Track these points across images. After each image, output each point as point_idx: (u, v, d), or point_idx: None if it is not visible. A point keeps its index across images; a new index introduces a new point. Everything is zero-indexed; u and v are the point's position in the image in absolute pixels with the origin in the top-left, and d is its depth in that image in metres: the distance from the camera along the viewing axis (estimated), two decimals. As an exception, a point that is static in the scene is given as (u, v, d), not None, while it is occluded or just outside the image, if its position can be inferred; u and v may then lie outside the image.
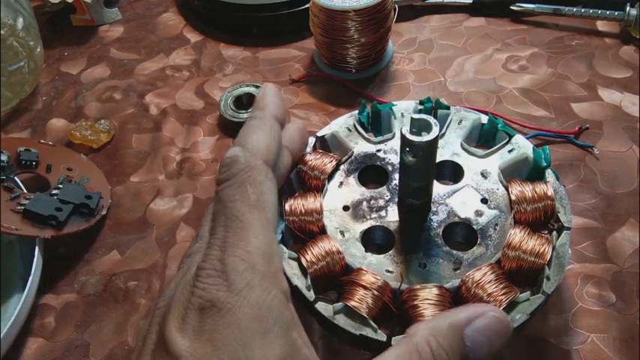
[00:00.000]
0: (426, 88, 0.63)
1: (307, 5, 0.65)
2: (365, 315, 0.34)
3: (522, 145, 0.43)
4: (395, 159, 0.44)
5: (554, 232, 0.37)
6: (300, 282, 0.37)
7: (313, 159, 0.43)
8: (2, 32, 0.60)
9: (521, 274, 0.36)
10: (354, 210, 0.41)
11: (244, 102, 0.62)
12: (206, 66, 0.70)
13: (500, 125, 0.44)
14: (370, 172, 0.44)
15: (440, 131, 0.35)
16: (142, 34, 0.76)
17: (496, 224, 0.39)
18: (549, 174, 0.40)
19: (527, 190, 0.39)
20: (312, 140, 0.45)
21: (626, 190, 0.51)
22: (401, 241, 0.39)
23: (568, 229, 0.37)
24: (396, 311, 0.36)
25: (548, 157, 0.40)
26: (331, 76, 0.65)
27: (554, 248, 0.36)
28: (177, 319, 0.23)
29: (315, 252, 0.38)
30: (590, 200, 0.50)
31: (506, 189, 0.40)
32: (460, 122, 0.45)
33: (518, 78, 0.62)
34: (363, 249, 0.39)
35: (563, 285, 0.45)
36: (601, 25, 0.67)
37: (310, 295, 0.36)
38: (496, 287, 0.34)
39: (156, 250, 0.51)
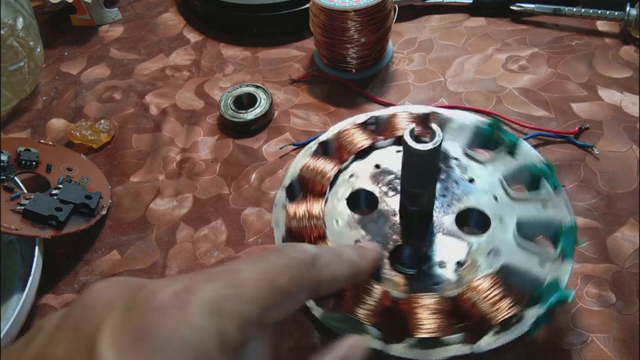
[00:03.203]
0: (426, 88, 0.63)
1: (307, 5, 0.65)
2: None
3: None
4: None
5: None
6: None
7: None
8: (2, 32, 0.60)
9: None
10: (380, 171, 0.43)
11: (244, 102, 0.62)
12: (206, 66, 0.70)
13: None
14: None
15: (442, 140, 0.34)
16: (142, 34, 0.76)
17: (437, 283, 0.37)
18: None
19: (488, 287, 0.35)
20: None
21: (626, 190, 0.51)
22: (384, 224, 0.40)
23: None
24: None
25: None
26: (331, 76, 0.65)
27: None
28: None
29: None
30: (590, 200, 0.50)
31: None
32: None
33: (518, 78, 0.62)
34: (347, 209, 0.41)
35: (563, 285, 0.45)
36: (601, 25, 0.67)
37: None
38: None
39: (156, 250, 0.51)
